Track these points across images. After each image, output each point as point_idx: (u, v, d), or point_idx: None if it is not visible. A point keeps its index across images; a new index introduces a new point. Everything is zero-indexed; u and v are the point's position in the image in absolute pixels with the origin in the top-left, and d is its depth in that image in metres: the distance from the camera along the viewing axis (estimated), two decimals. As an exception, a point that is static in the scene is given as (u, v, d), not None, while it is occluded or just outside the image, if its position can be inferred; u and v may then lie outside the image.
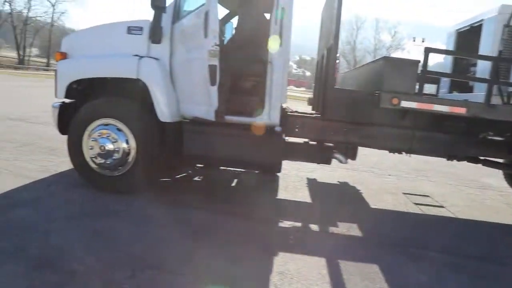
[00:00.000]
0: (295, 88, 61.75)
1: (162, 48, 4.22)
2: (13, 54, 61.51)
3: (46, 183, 4.45)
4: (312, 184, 5.66)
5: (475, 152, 4.55)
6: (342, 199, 5.15)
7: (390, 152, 4.86)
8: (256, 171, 4.35)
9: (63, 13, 60.32)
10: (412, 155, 4.75)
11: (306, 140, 4.83)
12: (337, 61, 8.56)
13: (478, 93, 4.55)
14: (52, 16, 57.88)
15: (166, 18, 4.16)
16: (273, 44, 3.95)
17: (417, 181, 6.59)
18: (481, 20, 5.04)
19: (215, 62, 3.62)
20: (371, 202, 5.05)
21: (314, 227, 3.91)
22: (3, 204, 3.68)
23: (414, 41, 53.92)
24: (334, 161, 4.80)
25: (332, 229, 3.90)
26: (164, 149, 4.28)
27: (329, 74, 4.31)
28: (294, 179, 5.70)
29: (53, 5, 58.04)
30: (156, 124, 4.17)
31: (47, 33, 58.23)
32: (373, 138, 4.53)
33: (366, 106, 4.22)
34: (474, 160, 4.85)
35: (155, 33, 4.08)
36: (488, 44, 4.78)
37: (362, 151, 4.79)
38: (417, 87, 4.12)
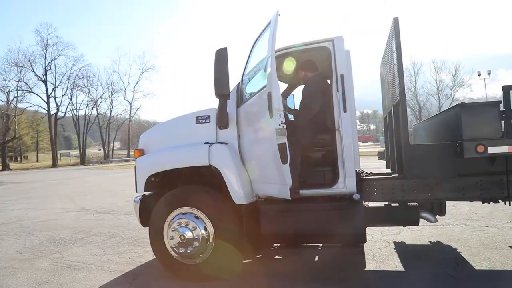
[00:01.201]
0: (362, 144, 60.33)
1: (229, 132, 4.37)
2: (98, 151, 68.98)
3: (132, 276, 4.58)
4: (401, 248, 5.16)
5: None
6: (439, 263, 4.58)
7: (483, 202, 4.36)
8: (339, 244, 4.07)
9: (138, 108, 66.98)
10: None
11: (387, 202, 4.54)
12: None
13: None
14: (130, 112, 64.54)
15: (230, 103, 4.36)
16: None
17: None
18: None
19: (284, 140, 3.62)
20: (474, 262, 4.42)
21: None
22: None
23: (479, 75, 51.06)
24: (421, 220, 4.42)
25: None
26: (242, 231, 4.23)
27: (401, 132, 4.10)
28: (380, 245, 5.26)
29: (130, 103, 64.91)
30: (232, 207, 4.18)
31: (126, 128, 64.65)
32: (461, 191, 4.10)
33: (447, 158, 3.89)
34: None
35: (222, 120, 4.26)
36: None
37: (448, 203, 4.34)
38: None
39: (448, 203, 4.30)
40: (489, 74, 50.08)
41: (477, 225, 6.12)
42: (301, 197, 4.03)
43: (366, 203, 4.56)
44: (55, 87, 58.50)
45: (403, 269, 4.40)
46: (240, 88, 4.50)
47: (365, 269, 4.45)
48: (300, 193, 4.05)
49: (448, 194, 4.16)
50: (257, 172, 4.22)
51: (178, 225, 4.26)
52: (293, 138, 4.23)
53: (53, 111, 58.14)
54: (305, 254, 4.97)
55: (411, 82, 64.35)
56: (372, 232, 5.78)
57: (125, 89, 65.95)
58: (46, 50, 57.29)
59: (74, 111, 62.43)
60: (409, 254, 4.97)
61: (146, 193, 4.83)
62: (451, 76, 63.14)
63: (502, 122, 3.66)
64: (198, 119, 4.56)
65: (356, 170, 4.13)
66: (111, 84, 64.72)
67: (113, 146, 70.91)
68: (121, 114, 66.45)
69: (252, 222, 4.18)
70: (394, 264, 4.55)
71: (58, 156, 60.44)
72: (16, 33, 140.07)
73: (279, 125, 3.58)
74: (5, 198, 14.42)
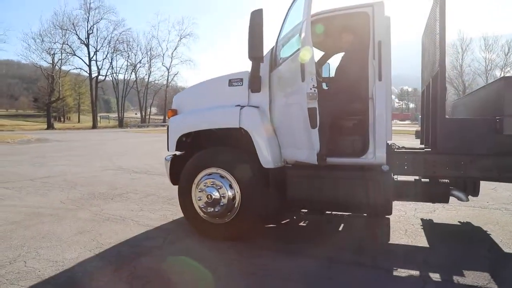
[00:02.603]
0: (400, 122, 58.70)
1: (261, 96, 4.37)
2: (135, 115, 71.00)
3: (166, 232, 4.79)
4: (429, 225, 5.07)
5: None
6: (467, 242, 4.48)
7: None
8: (364, 214, 4.05)
9: (175, 74, 67.82)
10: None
11: (417, 177, 4.45)
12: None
13: None
14: (167, 78, 65.55)
15: (263, 67, 4.34)
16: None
17: None
18: None
19: (315, 104, 3.58)
20: (505, 245, 4.30)
21: (435, 276, 3.43)
22: (133, 251, 4.06)
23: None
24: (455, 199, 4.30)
25: (459, 279, 3.37)
26: (268, 195, 4.30)
27: (437, 104, 3.94)
28: (408, 222, 5.19)
29: (168, 69, 65.84)
30: (259, 170, 4.23)
31: (163, 94, 65.92)
32: (498, 170, 3.93)
33: (485, 134, 3.72)
34: None
35: (254, 83, 4.26)
36: None
37: (489, 185, 4.15)
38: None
39: (488, 185, 4.11)
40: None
41: None
42: (329, 164, 4.03)
43: (396, 176, 4.50)
44: (96, 51, 60.12)
45: (427, 245, 4.35)
46: (274, 53, 4.44)
47: (389, 242, 4.44)
48: (327, 160, 4.05)
49: (483, 173, 4.00)
50: (286, 136, 4.22)
51: (205, 186, 4.38)
52: (326, 105, 4.18)
53: (94, 74, 60.01)
54: (331, 222, 5.03)
55: (457, 60, 61.09)
56: (406, 209, 5.73)
57: (163, 55, 66.81)
58: (89, 14, 58.63)
59: (114, 75, 64.37)
60: (437, 231, 4.89)
61: (177, 152, 4.98)
62: (503, 55, 59.08)
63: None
64: (231, 82, 4.58)
65: (387, 142, 4.06)
66: (150, 49, 65.81)
67: (150, 111, 72.76)
68: (158, 80, 67.69)
69: (279, 186, 4.23)
70: (419, 239, 4.51)
71: (98, 118, 62.69)
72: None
73: (311, 89, 3.54)
74: (50, 154, 15.22)
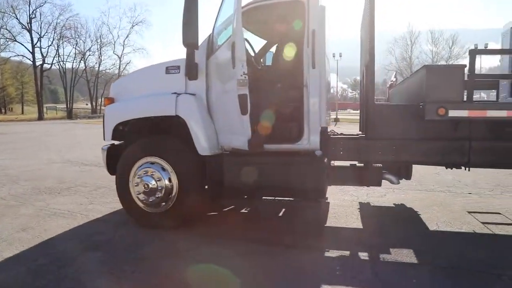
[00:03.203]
0: (353, 111, 60.43)
1: (199, 83, 4.32)
2: (85, 105, 67.80)
3: (117, 225, 4.61)
4: (366, 209, 5.32)
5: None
6: (404, 223, 4.75)
7: (446, 168, 4.47)
8: (300, 199, 4.16)
9: (128, 63, 65.45)
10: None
11: (353, 162, 4.63)
12: (394, 79, 8.20)
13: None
14: (119, 67, 63.12)
15: (200, 54, 4.29)
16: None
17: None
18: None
19: (245, 91, 3.61)
20: (455, 226, 4.53)
21: (363, 255, 3.61)
22: (81, 247, 3.88)
23: (476, 48, 50.18)
24: (409, 183, 4.46)
25: (384, 256, 3.57)
26: (206, 183, 4.29)
27: (368, 91, 4.10)
28: (348, 205, 5.42)
29: (119, 58, 63.42)
30: (196, 158, 4.21)
31: (115, 83, 63.20)
32: (425, 154, 4.17)
33: (413, 120, 3.93)
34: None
35: (190, 70, 4.21)
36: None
37: (432, 170, 4.35)
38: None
39: (432, 170, 4.32)
40: (486, 48, 49.39)
41: (460, 192, 6.25)
42: (265, 151, 4.09)
43: (332, 162, 4.66)
44: (40, 37, 56.35)
45: (361, 227, 4.55)
46: (211, 40, 4.39)
47: (325, 225, 4.60)
48: (265, 147, 4.11)
49: (412, 157, 4.23)
50: (223, 123, 4.23)
51: (144, 173, 4.30)
52: (263, 93, 4.23)
53: (38, 62, 56.29)
54: (273, 208, 5.11)
55: (406, 51, 63.78)
56: (358, 194, 6.01)
57: (115, 42, 64.08)
58: (31, -4, 54.81)
59: (61, 63, 60.68)
60: (372, 213, 5.13)
61: (116, 142, 4.84)
62: (448, 48, 62.55)
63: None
64: (168, 69, 4.49)
65: (321, 127, 4.17)
66: (100, 36, 62.73)
67: (101, 101, 69.76)
68: (110, 69, 64.73)
69: (217, 174, 4.24)
70: (354, 222, 4.71)
71: (44, 109, 59.30)
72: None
73: (241, 75, 3.55)
74: None
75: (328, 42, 4.82)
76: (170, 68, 4.47)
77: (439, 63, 62.12)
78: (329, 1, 4.42)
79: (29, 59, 56.80)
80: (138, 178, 4.33)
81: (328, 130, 5.29)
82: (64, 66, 61.24)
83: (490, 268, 3.29)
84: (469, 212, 5.02)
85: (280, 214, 5.01)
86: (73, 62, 61.82)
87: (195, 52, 4.15)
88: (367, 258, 3.57)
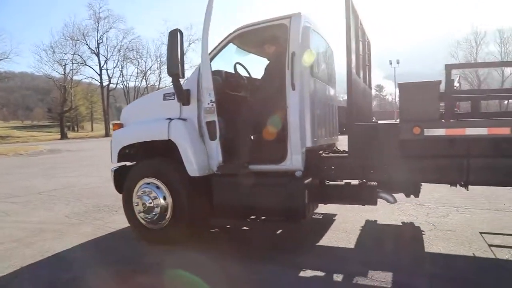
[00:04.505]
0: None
1: (191, 108, 4.57)
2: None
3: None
4: (370, 227, 5.21)
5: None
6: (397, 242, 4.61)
7: (451, 186, 4.31)
8: (282, 219, 4.23)
9: (186, 79, 68.27)
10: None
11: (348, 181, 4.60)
12: (457, 84, 7.83)
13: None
14: (177, 84, 65.98)
15: (193, 81, 4.56)
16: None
17: None
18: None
19: (213, 118, 3.81)
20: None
21: (338, 277, 3.59)
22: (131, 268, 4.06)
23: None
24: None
25: (359, 279, 3.52)
26: (198, 203, 4.51)
27: (350, 111, 4.08)
28: (352, 223, 5.34)
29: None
30: (188, 179, 4.45)
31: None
32: (419, 172, 4.06)
33: (391, 139, 3.85)
34: None
35: (179, 96, 4.49)
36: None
37: None
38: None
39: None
40: None
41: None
42: (251, 171, 4.24)
43: (328, 181, 4.68)
44: (107, 60, 61.38)
45: (352, 247, 4.48)
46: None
47: (317, 244, 4.60)
48: (250, 167, 4.26)
49: (405, 175, 4.10)
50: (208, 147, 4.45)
51: (141, 194, 4.64)
52: (248, 115, 4.40)
53: (105, 83, 61.31)
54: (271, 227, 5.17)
55: (471, 54, 59.66)
56: (417, 214, 5.70)
57: (171, 60, 67.43)
58: (98, 24, 59.92)
59: (125, 82, 65.74)
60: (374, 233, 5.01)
61: (127, 163, 5.25)
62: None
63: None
64: (165, 96, 4.82)
65: (307, 147, 4.22)
66: (160, 56, 66.59)
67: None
68: (169, 85, 68.27)
69: (207, 194, 4.45)
70: (347, 241, 4.65)
71: (111, 126, 63.83)
72: (71, 8, 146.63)
73: (208, 103, 3.75)
74: (61, 165, 15.68)
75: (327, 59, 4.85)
76: (167, 95, 4.79)
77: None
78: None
79: (97, 81, 62.11)
80: (138, 197, 4.67)
81: (335, 147, 5.32)
82: (127, 85, 66.11)
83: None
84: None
85: (278, 232, 5.08)
86: (135, 81, 66.77)
87: (191, 78, 4.48)
88: (340, 280, 3.55)
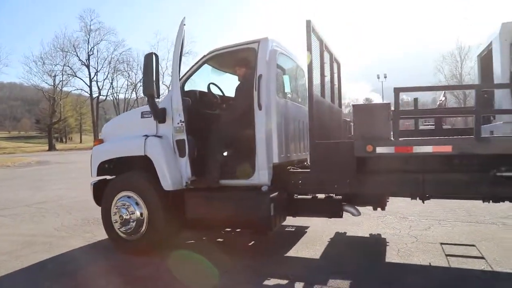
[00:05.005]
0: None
1: (167, 126, 4.84)
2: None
3: (159, 258, 4.74)
4: (338, 239, 5.49)
5: (490, 190, 4.02)
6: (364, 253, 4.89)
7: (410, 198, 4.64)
8: (250, 231, 4.52)
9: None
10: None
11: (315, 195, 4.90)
12: (442, 98, 8.15)
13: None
14: (166, 96, 66.30)
15: (168, 100, 4.85)
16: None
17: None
18: (490, 42, 4.72)
19: (182, 136, 4.11)
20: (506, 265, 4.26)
21: (299, 285, 3.86)
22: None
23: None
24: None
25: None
26: (174, 215, 4.76)
27: (312, 128, 4.39)
28: (322, 235, 5.62)
29: (168, 88, 66.47)
30: (163, 193, 4.70)
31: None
32: (378, 186, 4.37)
33: (348, 155, 4.16)
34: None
35: (155, 115, 4.78)
36: (498, 66, 4.44)
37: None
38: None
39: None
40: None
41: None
42: (220, 186, 4.53)
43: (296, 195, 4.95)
44: (97, 71, 61.61)
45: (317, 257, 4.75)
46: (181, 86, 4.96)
47: (285, 255, 4.86)
48: (221, 182, 4.55)
49: (367, 189, 4.40)
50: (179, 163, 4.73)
51: (119, 207, 4.88)
52: (220, 132, 4.69)
53: (95, 95, 61.51)
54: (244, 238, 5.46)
55: (456, 68, 60.85)
56: (401, 227, 5.93)
57: (163, 73, 67.82)
58: (89, 36, 60.39)
59: (115, 94, 65.87)
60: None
61: (107, 177, 5.49)
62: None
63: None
64: (142, 114, 5.10)
65: (273, 163, 4.51)
66: (150, 68, 66.80)
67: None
68: (160, 98, 68.58)
69: (180, 207, 4.71)
70: (313, 252, 4.93)
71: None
72: (62, 20, 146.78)
73: (178, 123, 4.06)
74: (49, 177, 15.74)
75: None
76: (144, 113, 5.06)
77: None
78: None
79: (86, 92, 62.17)
80: (116, 210, 4.91)
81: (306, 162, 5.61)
82: (117, 97, 66.17)
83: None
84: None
85: (250, 244, 5.35)
86: (125, 93, 66.67)
87: (167, 97, 4.81)
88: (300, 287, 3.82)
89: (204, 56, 4.97)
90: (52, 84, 58.13)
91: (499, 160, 3.80)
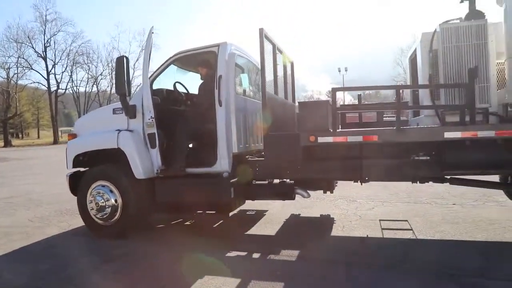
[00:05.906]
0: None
1: (137, 121, 5.38)
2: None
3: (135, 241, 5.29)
4: (293, 219, 6.28)
5: (413, 173, 4.85)
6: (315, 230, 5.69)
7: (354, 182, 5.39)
8: (213, 211, 5.20)
9: (139, 86, 67.14)
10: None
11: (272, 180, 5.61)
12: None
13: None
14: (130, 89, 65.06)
15: (138, 97, 5.38)
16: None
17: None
18: (415, 49, 5.60)
19: (153, 130, 4.74)
20: (429, 234, 5.09)
21: (256, 255, 4.58)
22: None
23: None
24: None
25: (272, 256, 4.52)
26: (144, 201, 5.34)
27: (263, 120, 5.09)
28: (278, 217, 6.37)
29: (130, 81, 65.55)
30: (135, 181, 5.24)
31: (126, 105, 65.33)
32: (323, 172, 5.12)
33: (296, 145, 4.87)
34: (440, 180, 5.00)
35: (127, 111, 5.32)
36: (420, 69, 5.32)
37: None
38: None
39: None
40: None
41: (445, 203, 6.77)
42: (187, 173, 5.15)
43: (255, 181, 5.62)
44: (55, 64, 59.26)
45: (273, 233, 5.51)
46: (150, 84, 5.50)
47: (246, 233, 5.59)
48: (186, 170, 5.17)
49: (317, 174, 5.11)
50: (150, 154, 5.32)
51: (94, 195, 5.39)
52: (185, 126, 5.29)
53: (53, 88, 59.11)
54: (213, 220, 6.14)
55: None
56: (348, 208, 6.74)
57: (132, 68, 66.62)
58: (45, 26, 57.76)
59: (75, 88, 63.76)
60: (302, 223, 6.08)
61: (81, 169, 5.95)
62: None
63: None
64: (114, 110, 5.60)
65: (233, 153, 5.17)
66: (111, 61, 65.09)
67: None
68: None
69: (152, 193, 5.30)
70: (270, 229, 5.69)
71: (59, 132, 61.78)
72: (15, 9, 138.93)
73: (149, 119, 4.66)
74: (11, 173, 15.56)
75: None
76: (116, 110, 5.57)
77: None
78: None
79: (44, 86, 59.70)
80: (92, 198, 5.42)
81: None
82: (77, 91, 64.19)
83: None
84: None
85: (215, 225, 6.04)
86: (86, 87, 64.71)
87: (137, 95, 5.36)
88: (257, 257, 4.55)
89: (170, 57, 5.53)
90: (6, 77, 55.69)
91: (416, 147, 4.66)
